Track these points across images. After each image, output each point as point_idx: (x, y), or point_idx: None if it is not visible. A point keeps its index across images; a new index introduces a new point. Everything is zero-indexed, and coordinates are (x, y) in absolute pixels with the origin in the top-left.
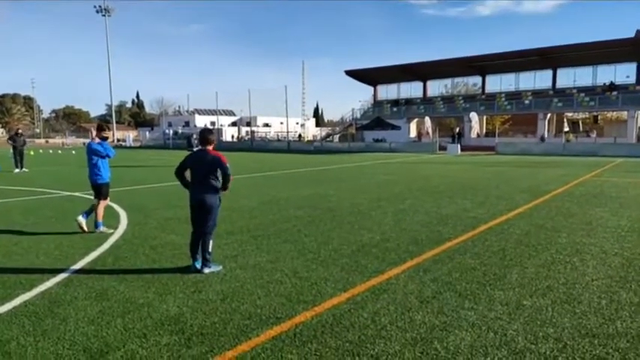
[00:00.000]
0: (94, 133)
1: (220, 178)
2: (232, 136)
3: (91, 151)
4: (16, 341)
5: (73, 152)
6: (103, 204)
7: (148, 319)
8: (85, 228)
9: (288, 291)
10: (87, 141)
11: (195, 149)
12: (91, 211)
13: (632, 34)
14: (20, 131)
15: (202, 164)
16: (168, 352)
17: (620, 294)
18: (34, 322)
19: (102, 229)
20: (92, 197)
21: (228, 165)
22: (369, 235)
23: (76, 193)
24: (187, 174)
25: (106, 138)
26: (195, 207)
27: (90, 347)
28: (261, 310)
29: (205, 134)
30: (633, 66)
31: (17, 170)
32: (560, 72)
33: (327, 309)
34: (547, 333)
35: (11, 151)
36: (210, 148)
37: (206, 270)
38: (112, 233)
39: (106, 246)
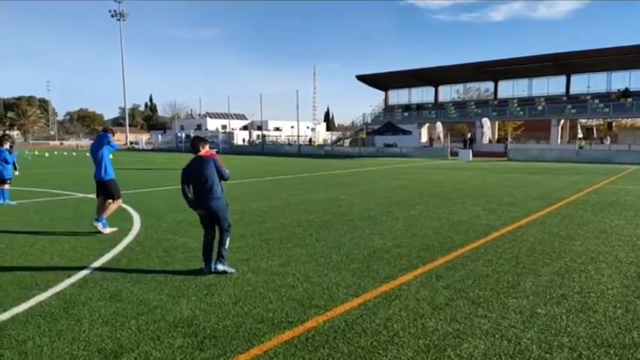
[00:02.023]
0: (112, 138)
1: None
2: (243, 140)
3: (102, 147)
4: (32, 341)
5: (87, 154)
6: (117, 203)
7: (162, 321)
8: (112, 229)
9: (300, 295)
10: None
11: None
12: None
13: None
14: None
15: (201, 172)
16: (182, 354)
17: (636, 304)
18: (49, 323)
19: (102, 227)
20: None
21: (225, 168)
22: (381, 240)
23: (91, 195)
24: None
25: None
26: (205, 214)
27: (104, 348)
28: (273, 314)
29: (195, 142)
30: None
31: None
32: (574, 78)
33: (339, 314)
34: (562, 342)
35: None
36: (202, 152)
37: (220, 267)
38: (111, 233)
39: (119, 247)
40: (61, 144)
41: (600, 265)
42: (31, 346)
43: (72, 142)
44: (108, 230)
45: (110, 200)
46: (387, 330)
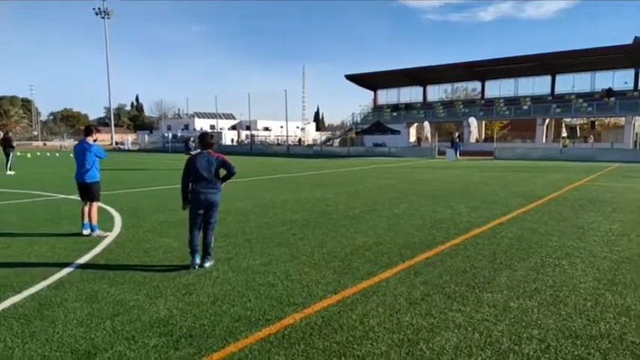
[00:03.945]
0: (94, 136)
1: (221, 177)
2: (232, 140)
3: (89, 151)
4: (3, 343)
5: (71, 155)
6: (96, 206)
7: (138, 322)
8: (105, 234)
9: (279, 293)
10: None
11: (193, 152)
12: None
13: (630, 41)
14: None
15: (209, 166)
16: (156, 353)
17: (606, 296)
18: (22, 324)
19: (98, 232)
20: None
21: (232, 164)
22: (363, 238)
23: (72, 196)
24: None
25: (95, 140)
26: (204, 206)
27: (77, 349)
28: (251, 312)
29: (207, 138)
30: (631, 72)
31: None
32: (558, 78)
33: (316, 311)
34: (531, 334)
35: None
36: (211, 150)
37: (207, 264)
38: (106, 236)
39: (98, 249)
40: (45, 144)
41: (574, 259)
42: (2, 347)
43: (56, 143)
44: (101, 233)
45: (89, 203)
46: (363, 325)
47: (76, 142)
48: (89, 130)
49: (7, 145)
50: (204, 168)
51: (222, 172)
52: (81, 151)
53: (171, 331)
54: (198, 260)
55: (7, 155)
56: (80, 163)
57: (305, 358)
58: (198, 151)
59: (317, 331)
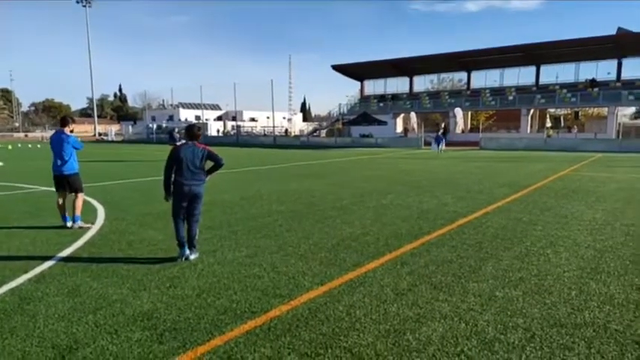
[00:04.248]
0: (70, 127)
1: (207, 169)
2: (218, 131)
3: (67, 142)
4: None
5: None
6: (81, 197)
7: (120, 315)
8: (87, 225)
9: (265, 285)
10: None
11: (179, 143)
12: (64, 210)
13: (613, 32)
14: None
15: (194, 157)
16: (139, 347)
17: (590, 285)
18: (1, 319)
19: (80, 223)
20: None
21: (220, 155)
22: (350, 229)
23: (54, 189)
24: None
25: (72, 130)
26: (187, 198)
27: (59, 344)
28: (236, 304)
29: (194, 130)
30: (614, 63)
31: None
32: (543, 68)
33: (303, 302)
34: (517, 323)
35: None
36: (197, 142)
37: (192, 256)
38: (89, 227)
39: (81, 242)
40: (26, 136)
41: (559, 248)
42: None
43: (37, 134)
44: (83, 225)
45: (74, 195)
46: (350, 316)
47: (52, 133)
48: (65, 120)
49: None
50: (189, 159)
51: (209, 164)
52: (58, 142)
53: (155, 324)
54: (187, 251)
55: None
56: (58, 155)
57: (291, 350)
58: (184, 141)
59: (303, 323)
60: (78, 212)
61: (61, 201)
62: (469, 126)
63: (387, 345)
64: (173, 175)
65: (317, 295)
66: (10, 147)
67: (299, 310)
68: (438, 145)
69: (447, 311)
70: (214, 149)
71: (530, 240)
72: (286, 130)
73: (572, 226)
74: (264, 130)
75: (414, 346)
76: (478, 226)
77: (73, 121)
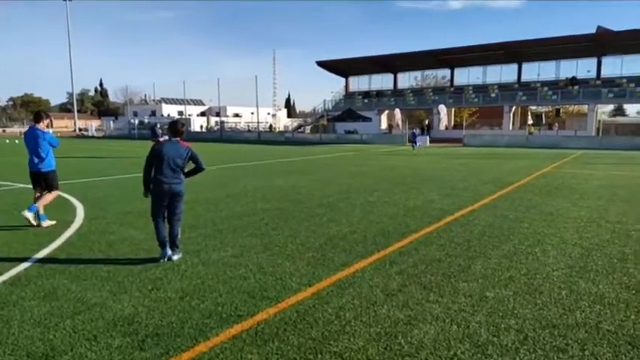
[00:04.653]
0: (45, 122)
1: (186, 170)
2: (201, 127)
3: (42, 139)
4: None
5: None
6: (54, 194)
7: (100, 320)
8: (34, 222)
9: (252, 287)
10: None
11: (161, 139)
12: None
13: (593, 30)
14: None
15: (177, 155)
16: (120, 354)
17: (579, 284)
18: None
19: (29, 215)
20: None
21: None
22: (337, 227)
23: (31, 185)
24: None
25: (47, 126)
26: (168, 197)
27: (34, 352)
28: (222, 307)
29: (177, 126)
30: (594, 61)
31: None
32: (525, 66)
33: (291, 305)
34: (509, 325)
35: None
36: (180, 139)
37: (175, 257)
38: (50, 225)
39: (58, 242)
40: (4, 131)
41: (546, 246)
42: None
43: (15, 130)
44: (46, 224)
45: (46, 191)
46: (339, 319)
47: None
48: (39, 115)
49: None
50: (170, 157)
51: (189, 166)
52: (32, 138)
53: (136, 330)
54: (169, 251)
55: None
56: (33, 152)
57: (280, 355)
58: (166, 137)
59: (291, 327)
60: (41, 205)
61: (37, 196)
62: (452, 123)
63: (379, 349)
64: (153, 172)
65: (305, 296)
66: None
67: (287, 313)
68: (415, 143)
69: (439, 312)
70: (198, 145)
71: (518, 238)
72: (270, 125)
73: (558, 224)
74: (249, 126)
75: (406, 350)
76: (465, 224)
77: (48, 116)
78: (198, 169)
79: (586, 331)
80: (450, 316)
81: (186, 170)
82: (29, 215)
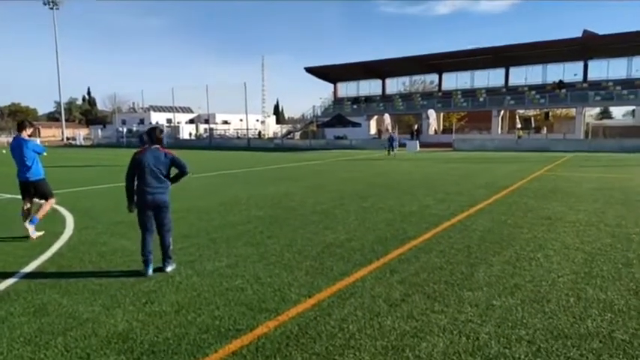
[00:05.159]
0: (29, 130)
1: (170, 175)
2: (190, 134)
3: (26, 147)
4: None
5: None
6: (51, 202)
7: (93, 337)
8: (38, 234)
9: (250, 299)
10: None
11: (139, 149)
12: (31, 213)
13: (579, 33)
14: None
15: (158, 162)
16: None
17: (586, 291)
18: None
19: (30, 227)
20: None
21: (185, 162)
22: (334, 235)
23: (20, 196)
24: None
25: (31, 135)
26: (152, 208)
27: None
28: (219, 321)
29: (156, 133)
30: (580, 64)
31: None
32: (512, 70)
33: (291, 317)
34: (520, 335)
35: None
36: (159, 146)
37: (168, 268)
38: (39, 237)
39: (49, 253)
40: None
41: (548, 252)
42: None
43: (2, 139)
44: (35, 235)
45: (43, 200)
46: (343, 332)
47: (11, 139)
48: (22, 125)
49: None
50: (151, 165)
51: (173, 171)
52: (17, 148)
53: (131, 347)
54: (151, 272)
55: None
56: (20, 161)
57: None
58: (147, 146)
59: (294, 341)
60: (40, 215)
61: (26, 207)
62: (442, 127)
63: None
64: (136, 183)
65: (305, 308)
66: None
67: (288, 326)
68: (392, 148)
69: (445, 323)
70: (187, 152)
71: (519, 243)
72: (259, 132)
73: (557, 228)
74: (238, 133)
75: None
76: (463, 230)
77: (32, 125)
78: (182, 173)
79: (600, 340)
80: (458, 327)
81: (171, 176)
82: (30, 227)
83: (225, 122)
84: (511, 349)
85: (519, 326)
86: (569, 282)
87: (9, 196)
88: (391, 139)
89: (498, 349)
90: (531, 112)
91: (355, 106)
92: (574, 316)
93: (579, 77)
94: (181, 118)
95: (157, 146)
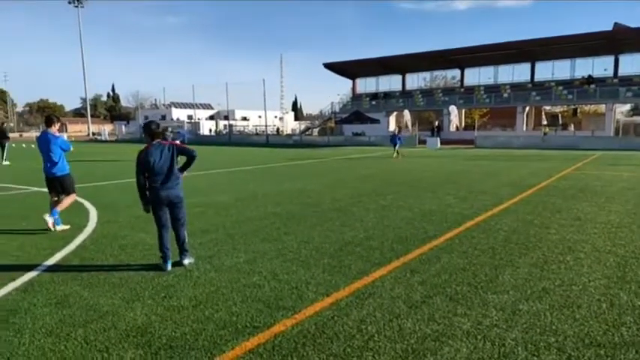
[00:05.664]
0: (57, 125)
1: (181, 164)
2: (210, 130)
3: (54, 143)
4: None
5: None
6: (72, 197)
7: (112, 330)
8: (52, 227)
9: (267, 296)
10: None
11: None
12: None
13: (609, 28)
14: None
15: (164, 157)
16: None
17: (620, 297)
18: None
19: (50, 220)
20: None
21: (190, 147)
22: (352, 232)
23: (45, 189)
24: None
25: (59, 129)
26: (166, 204)
27: None
28: (237, 318)
29: (152, 127)
30: (611, 59)
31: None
32: (538, 65)
33: (308, 316)
34: (548, 342)
35: None
36: (160, 139)
37: (186, 261)
38: (64, 230)
39: (72, 246)
40: (21, 136)
41: (579, 254)
42: None
43: (32, 134)
44: (60, 228)
45: (64, 195)
46: (361, 333)
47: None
48: (50, 119)
49: (3, 136)
50: (158, 161)
51: (181, 160)
52: (44, 143)
53: (149, 341)
54: (169, 267)
55: (3, 146)
56: (46, 156)
57: None
58: (154, 143)
59: (311, 341)
60: (60, 208)
61: (54, 199)
62: (463, 124)
63: None
64: (147, 181)
65: (323, 307)
66: None
67: (305, 324)
68: (395, 146)
69: (469, 327)
70: (207, 148)
71: (547, 245)
72: (278, 129)
73: (587, 229)
74: (256, 129)
75: None
76: (487, 229)
77: (59, 120)
78: (190, 158)
79: (636, 351)
80: (482, 332)
81: (180, 166)
82: (49, 220)
83: (244, 118)
84: (539, 357)
85: (548, 333)
86: (601, 287)
87: (35, 189)
88: (395, 138)
89: (525, 357)
90: (558, 109)
91: (374, 102)
92: (607, 324)
93: (609, 72)
94: (201, 114)
95: (159, 140)
